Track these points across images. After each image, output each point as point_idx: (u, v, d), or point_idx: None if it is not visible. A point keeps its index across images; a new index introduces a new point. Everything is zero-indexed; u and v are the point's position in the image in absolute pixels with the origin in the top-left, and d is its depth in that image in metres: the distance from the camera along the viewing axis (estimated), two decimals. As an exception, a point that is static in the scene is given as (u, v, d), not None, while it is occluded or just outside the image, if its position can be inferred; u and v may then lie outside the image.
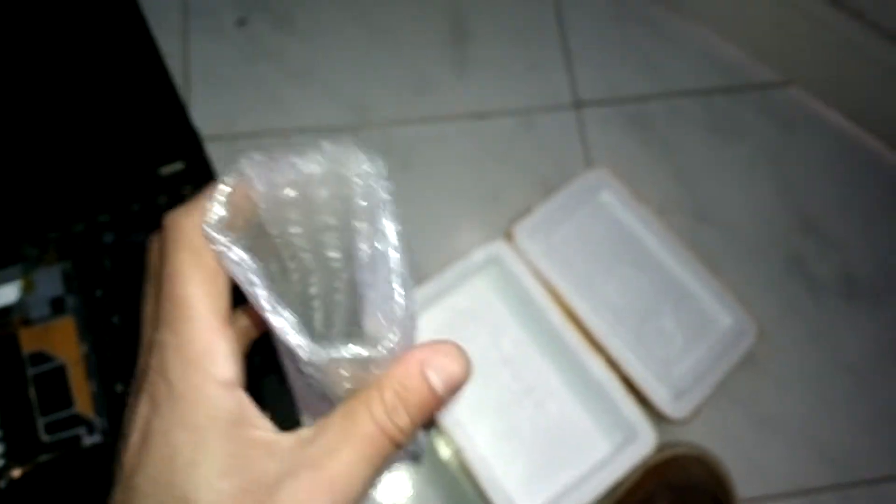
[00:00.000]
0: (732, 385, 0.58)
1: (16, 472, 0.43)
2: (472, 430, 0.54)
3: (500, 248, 0.58)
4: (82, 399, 0.45)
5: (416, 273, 0.60)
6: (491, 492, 0.50)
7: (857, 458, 0.58)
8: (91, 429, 0.44)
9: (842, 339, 0.62)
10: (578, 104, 0.69)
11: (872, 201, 0.67)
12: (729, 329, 0.58)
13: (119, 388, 0.46)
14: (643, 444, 0.53)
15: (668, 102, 0.69)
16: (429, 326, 0.57)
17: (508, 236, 0.59)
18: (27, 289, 0.47)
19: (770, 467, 0.58)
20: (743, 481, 0.54)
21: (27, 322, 0.46)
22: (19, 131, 0.52)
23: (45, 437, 0.44)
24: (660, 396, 0.54)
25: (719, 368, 0.56)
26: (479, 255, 0.58)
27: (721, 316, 0.58)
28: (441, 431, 0.53)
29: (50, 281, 0.48)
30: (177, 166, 0.53)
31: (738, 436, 0.58)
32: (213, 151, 0.63)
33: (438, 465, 0.56)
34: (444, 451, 0.56)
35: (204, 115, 0.65)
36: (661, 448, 0.54)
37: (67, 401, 0.45)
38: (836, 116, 0.70)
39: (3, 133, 0.51)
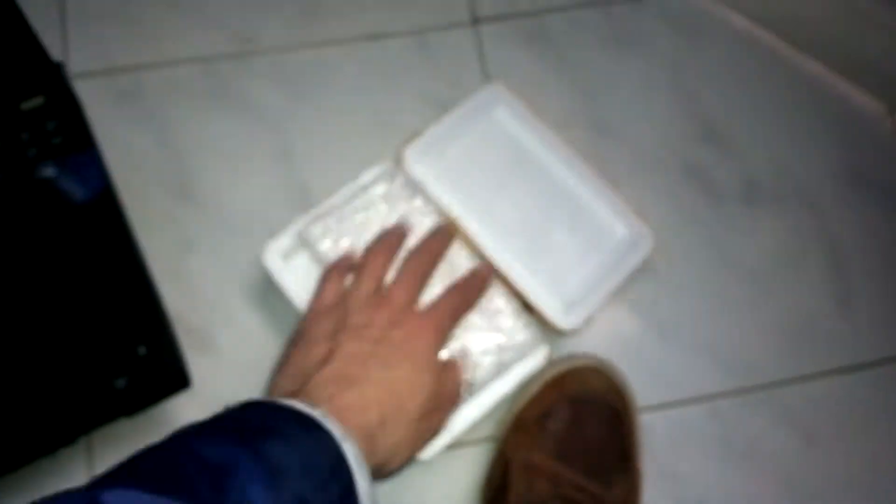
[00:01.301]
0: (630, 294, 0.58)
1: None
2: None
3: (388, 168, 0.56)
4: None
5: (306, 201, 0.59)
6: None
7: (755, 363, 0.59)
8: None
9: (742, 245, 0.62)
10: (475, 21, 0.66)
11: (775, 104, 0.66)
12: (624, 239, 0.57)
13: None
14: (534, 358, 0.53)
15: (567, 14, 0.67)
16: (323, 244, 0.55)
17: (398, 159, 0.57)
18: None
19: (669, 375, 0.58)
20: (642, 390, 0.54)
21: None
22: None
23: None
24: (550, 308, 0.54)
25: (613, 279, 0.55)
26: (366, 177, 0.56)
27: (616, 227, 0.57)
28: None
29: None
30: (37, 101, 0.51)
31: (636, 344, 0.58)
32: (93, 88, 0.60)
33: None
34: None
35: (82, 51, 0.63)
36: (558, 360, 0.54)
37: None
38: (737, 18, 0.68)
39: None
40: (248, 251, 0.56)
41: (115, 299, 0.47)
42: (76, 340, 0.45)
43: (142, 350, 0.46)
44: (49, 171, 0.49)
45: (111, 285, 0.47)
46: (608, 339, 0.58)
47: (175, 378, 0.46)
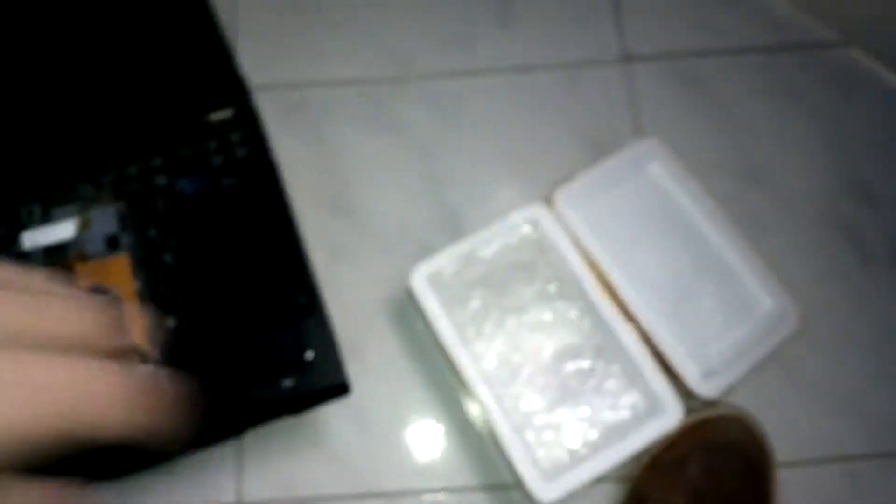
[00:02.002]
0: (777, 350, 0.58)
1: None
2: (503, 392, 0.56)
3: (539, 212, 0.58)
4: (135, 331, 0.48)
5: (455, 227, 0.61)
6: (512, 441, 0.52)
7: (896, 427, 0.58)
8: (144, 359, 0.47)
9: (890, 308, 0.61)
10: (627, 58, 0.67)
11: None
12: (770, 313, 0.58)
13: (170, 322, 0.48)
14: (669, 417, 0.54)
15: (719, 59, 0.67)
16: (462, 280, 0.58)
17: (549, 201, 0.59)
18: (84, 226, 0.50)
19: (809, 434, 0.58)
20: (780, 446, 0.54)
21: (84, 257, 0.49)
22: (75, 74, 0.54)
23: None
24: (690, 374, 0.55)
25: (755, 353, 0.56)
26: (517, 218, 0.58)
27: (763, 299, 0.58)
28: (469, 393, 0.54)
29: (105, 220, 0.50)
30: (226, 113, 0.55)
31: (779, 401, 0.59)
32: (259, 100, 0.64)
33: (469, 430, 0.57)
34: (474, 414, 0.57)
35: (250, 65, 0.66)
36: (701, 408, 0.54)
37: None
38: (893, 79, 0.67)
39: (59, 76, 0.53)
40: (394, 267, 0.59)
41: (290, 306, 0.50)
42: (254, 340, 0.48)
43: (309, 355, 0.48)
44: (230, 181, 0.53)
45: (287, 292, 0.50)
46: (751, 391, 0.58)
47: (338, 384, 0.48)
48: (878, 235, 0.63)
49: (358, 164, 0.64)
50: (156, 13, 0.55)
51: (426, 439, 0.57)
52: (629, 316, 0.56)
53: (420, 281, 0.56)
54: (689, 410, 0.54)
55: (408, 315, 0.59)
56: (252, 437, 0.55)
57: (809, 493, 0.56)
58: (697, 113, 0.66)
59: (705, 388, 0.55)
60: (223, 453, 0.55)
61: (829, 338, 0.60)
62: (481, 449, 0.56)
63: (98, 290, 0.48)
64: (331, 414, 0.56)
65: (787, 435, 0.56)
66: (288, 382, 0.48)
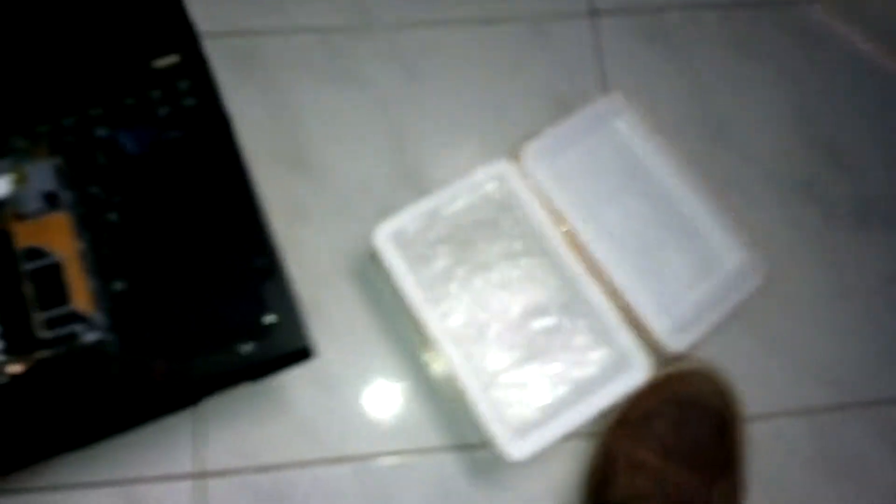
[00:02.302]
0: (742, 306, 0.58)
1: (15, 368, 0.43)
2: (470, 351, 0.55)
3: (504, 168, 0.56)
4: (80, 296, 0.44)
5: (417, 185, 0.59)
6: (481, 400, 0.51)
7: (860, 380, 0.60)
8: (90, 325, 0.44)
9: (852, 265, 0.62)
10: (594, 13, 0.66)
11: (894, 127, 0.66)
12: (735, 269, 0.58)
13: (118, 286, 0.45)
14: (637, 372, 0.53)
15: (687, 14, 0.66)
16: (426, 239, 0.56)
17: (515, 157, 0.57)
18: (19, 182, 0.46)
19: (774, 387, 0.59)
20: (747, 400, 0.55)
21: (20, 216, 0.45)
22: (3, 12, 0.49)
23: (43, 334, 0.43)
24: (658, 328, 0.55)
25: (722, 307, 0.57)
26: (482, 174, 0.56)
27: (728, 255, 0.59)
28: (436, 353, 0.52)
29: (42, 175, 0.46)
30: (172, 59, 0.51)
31: (744, 356, 0.59)
32: (210, 49, 0.60)
33: (435, 390, 0.56)
34: (440, 374, 0.56)
35: (199, 11, 0.62)
36: (668, 363, 0.55)
37: (63, 297, 0.44)
38: (859, 37, 0.68)
39: None
40: (355, 225, 0.57)
41: (247, 268, 0.47)
42: (209, 304, 0.46)
43: (269, 319, 0.46)
44: (177, 134, 0.49)
45: (244, 253, 0.47)
46: (716, 346, 0.58)
47: (300, 349, 0.46)
48: (842, 193, 0.64)
49: (316, 119, 0.61)
50: None
51: (391, 401, 0.56)
52: (596, 272, 0.56)
53: (384, 239, 0.54)
54: (655, 366, 0.54)
55: (370, 275, 0.57)
56: (211, 405, 0.52)
57: (776, 445, 0.57)
58: (663, 69, 0.65)
59: (674, 342, 0.55)
60: (179, 422, 0.52)
61: (794, 293, 0.61)
62: (448, 409, 0.55)
63: (36, 252, 0.45)
64: (293, 378, 0.54)
65: (753, 389, 0.57)
66: (246, 348, 0.46)
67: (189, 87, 0.50)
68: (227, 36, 0.61)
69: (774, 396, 0.58)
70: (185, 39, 0.52)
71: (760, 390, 0.58)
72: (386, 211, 0.55)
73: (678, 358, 0.55)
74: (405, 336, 0.57)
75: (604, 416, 0.54)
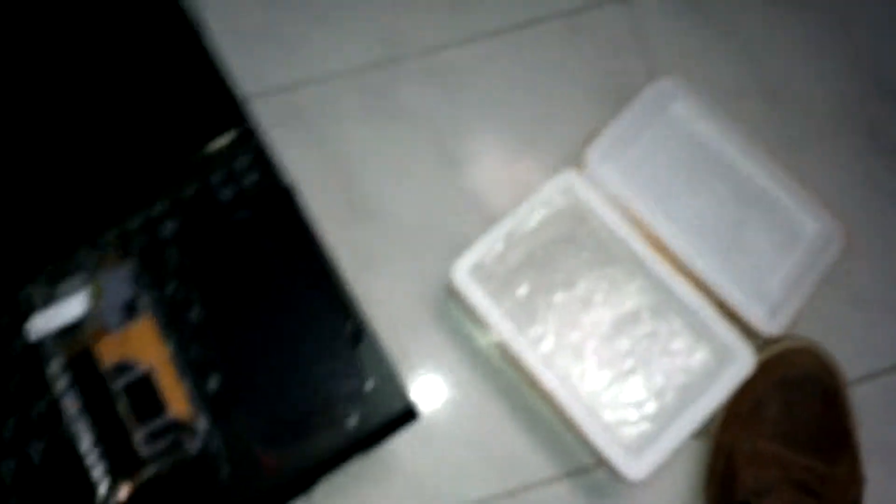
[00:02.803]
0: (828, 272, 0.56)
1: (123, 493, 0.41)
2: (568, 373, 0.53)
3: (570, 177, 0.54)
4: (176, 402, 0.43)
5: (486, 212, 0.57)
6: (590, 424, 0.49)
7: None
8: (192, 431, 0.43)
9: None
10: (627, -4, 0.62)
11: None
12: (816, 236, 0.56)
13: (213, 383, 0.44)
14: (743, 363, 0.51)
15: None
16: (504, 267, 0.54)
17: (578, 163, 0.55)
18: (95, 296, 0.44)
19: (872, 345, 0.57)
20: (848, 363, 0.53)
21: (103, 332, 0.44)
22: (57, 127, 0.47)
23: (145, 450, 0.42)
24: (754, 314, 0.53)
25: (810, 278, 0.54)
26: (549, 188, 0.54)
27: (807, 223, 0.56)
28: (534, 382, 0.51)
29: (117, 284, 0.44)
30: (226, 139, 0.48)
31: (837, 320, 0.57)
32: (252, 112, 0.58)
33: (538, 419, 0.54)
34: (542, 403, 0.54)
35: (237, 75, 0.60)
36: (765, 346, 0.52)
37: (160, 407, 0.43)
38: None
39: (39, 132, 0.47)
40: (428, 264, 0.55)
41: (337, 337, 0.45)
42: (307, 383, 0.44)
43: (369, 385, 0.45)
44: (245, 214, 0.47)
45: (331, 323, 0.46)
46: (809, 318, 0.56)
47: (405, 410, 0.45)
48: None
49: (368, 162, 0.58)
50: (136, 40, 0.48)
51: (497, 440, 0.54)
52: (682, 268, 0.53)
53: (463, 276, 0.52)
54: (755, 350, 0.52)
55: (451, 312, 0.55)
56: (321, 489, 0.51)
57: (883, 403, 0.55)
58: (708, 41, 0.62)
59: (771, 326, 0.53)
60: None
61: (876, 249, 0.58)
62: (554, 435, 0.54)
63: (124, 367, 0.44)
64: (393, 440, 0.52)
65: (851, 352, 0.55)
66: (352, 420, 0.44)
67: (248, 163, 0.48)
68: (265, 95, 0.59)
69: (875, 355, 0.56)
70: (235, 116, 0.49)
71: (860, 351, 0.56)
72: (456, 244, 0.53)
73: (774, 339, 0.53)
74: (498, 370, 0.55)
75: (712, 416, 0.52)
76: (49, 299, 0.44)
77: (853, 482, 0.50)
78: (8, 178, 0.47)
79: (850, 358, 0.54)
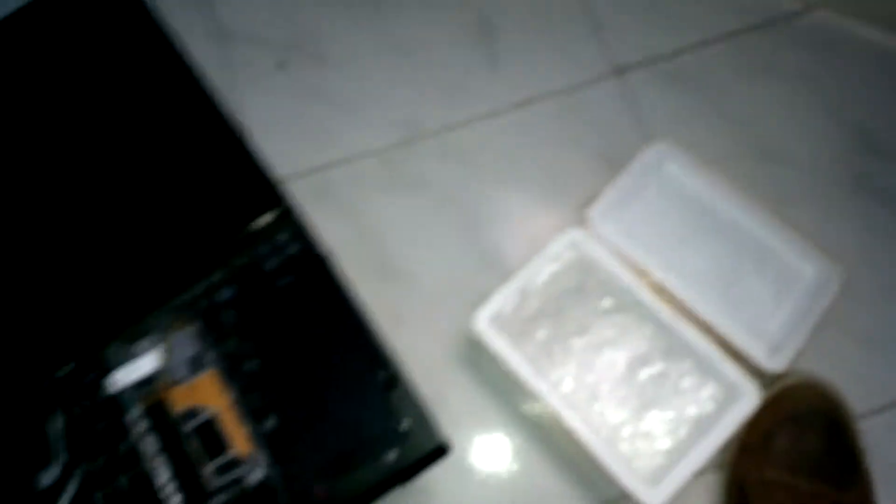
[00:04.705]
0: (828, 312, 0.60)
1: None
2: (588, 412, 0.58)
3: (576, 234, 0.60)
4: (238, 441, 0.49)
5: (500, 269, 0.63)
6: (610, 457, 0.53)
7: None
8: (253, 465, 0.49)
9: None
10: (619, 70, 0.70)
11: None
12: (814, 278, 0.60)
13: (270, 423, 0.50)
14: (749, 399, 0.55)
15: (702, 51, 0.71)
16: (521, 316, 0.60)
17: (582, 221, 0.61)
18: (166, 354, 0.52)
19: (878, 380, 0.60)
20: (852, 400, 0.56)
21: (173, 384, 0.51)
22: (132, 220, 0.56)
23: (213, 483, 0.48)
24: (756, 353, 0.57)
25: (810, 318, 0.58)
26: (557, 244, 0.60)
27: (804, 267, 0.61)
28: (556, 421, 0.56)
29: (185, 342, 0.52)
30: (268, 218, 0.57)
31: (841, 357, 0.61)
32: (287, 191, 0.66)
33: (563, 456, 0.59)
34: (565, 440, 0.58)
35: (267, 161, 0.69)
36: (773, 382, 0.56)
37: (224, 446, 0.49)
38: (865, 30, 0.71)
39: (120, 223, 0.56)
40: (451, 315, 0.61)
41: (374, 384, 0.51)
42: (349, 422, 0.50)
43: (405, 425, 0.50)
44: (288, 280, 0.55)
45: (368, 371, 0.52)
46: (813, 356, 0.60)
47: (438, 447, 0.50)
48: (895, 181, 0.66)
49: (394, 229, 0.66)
50: (194, 143, 0.58)
51: (525, 475, 0.58)
52: (687, 313, 0.58)
53: (484, 325, 0.58)
54: (762, 389, 0.55)
55: (475, 359, 0.61)
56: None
57: (889, 438, 0.58)
58: (695, 107, 0.69)
59: (774, 363, 0.56)
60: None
61: (873, 287, 0.63)
62: (580, 471, 0.58)
63: (192, 412, 0.50)
64: (429, 476, 0.57)
65: (858, 387, 0.58)
66: (391, 456, 0.50)
67: (289, 236, 0.56)
68: (300, 176, 0.68)
69: (881, 389, 0.60)
70: (275, 197, 0.58)
71: (866, 387, 0.59)
72: (475, 297, 0.59)
73: (781, 376, 0.57)
74: (523, 411, 0.60)
75: (726, 447, 0.56)
76: (127, 357, 0.52)
77: (865, 508, 0.53)
78: (93, 258, 0.56)
79: (858, 393, 0.57)
